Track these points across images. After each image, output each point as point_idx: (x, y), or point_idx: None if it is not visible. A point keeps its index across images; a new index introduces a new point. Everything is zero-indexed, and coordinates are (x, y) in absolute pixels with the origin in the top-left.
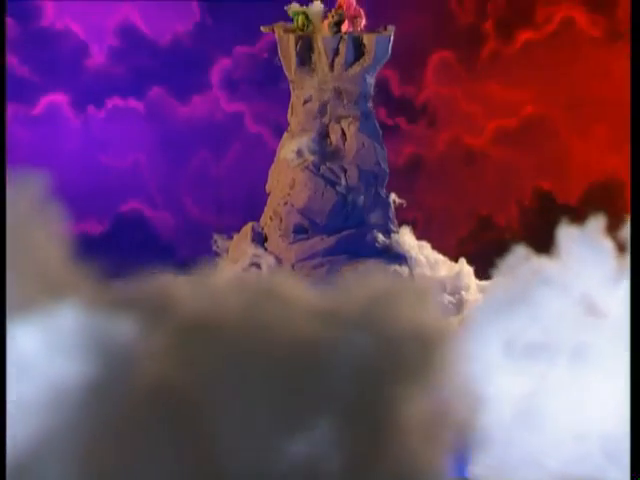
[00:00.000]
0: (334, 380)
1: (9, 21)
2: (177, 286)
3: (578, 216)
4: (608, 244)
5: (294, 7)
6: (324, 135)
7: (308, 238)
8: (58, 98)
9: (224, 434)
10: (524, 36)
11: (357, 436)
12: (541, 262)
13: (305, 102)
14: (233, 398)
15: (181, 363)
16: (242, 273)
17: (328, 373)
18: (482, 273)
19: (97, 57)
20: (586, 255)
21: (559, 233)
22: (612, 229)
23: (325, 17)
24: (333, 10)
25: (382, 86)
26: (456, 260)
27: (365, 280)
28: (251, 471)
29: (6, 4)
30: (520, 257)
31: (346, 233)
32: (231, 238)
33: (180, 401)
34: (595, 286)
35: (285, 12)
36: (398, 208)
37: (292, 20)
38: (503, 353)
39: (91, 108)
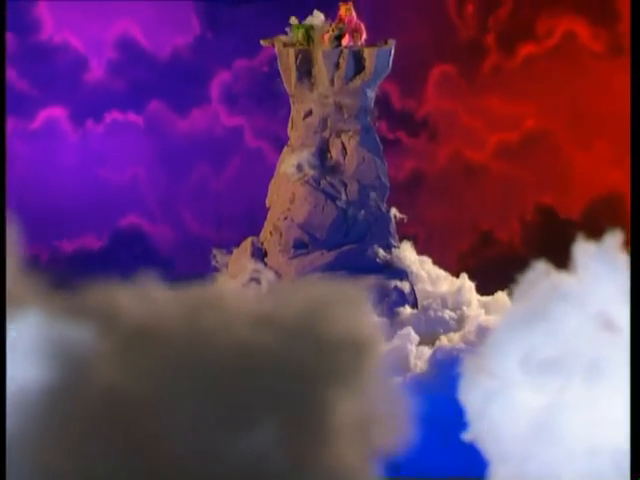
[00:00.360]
0: (272, 384)
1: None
2: (124, 295)
3: (582, 231)
4: (624, 259)
5: (294, 21)
6: (324, 149)
7: (308, 253)
8: (56, 112)
9: (170, 434)
10: (525, 50)
11: (294, 437)
12: (559, 278)
13: (305, 116)
14: (178, 401)
15: (129, 368)
16: (241, 288)
17: (266, 377)
18: (483, 288)
19: (96, 71)
20: (602, 271)
21: (575, 249)
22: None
23: (325, 31)
24: (333, 24)
25: (383, 100)
26: (457, 275)
27: (302, 287)
28: (195, 469)
29: (6, 18)
30: (539, 273)
31: (346, 248)
32: (230, 253)
33: (129, 403)
34: (611, 302)
35: (285, 26)
36: (399, 223)
37: (292, 34)
38: (520, 368)
39: (90, 122)
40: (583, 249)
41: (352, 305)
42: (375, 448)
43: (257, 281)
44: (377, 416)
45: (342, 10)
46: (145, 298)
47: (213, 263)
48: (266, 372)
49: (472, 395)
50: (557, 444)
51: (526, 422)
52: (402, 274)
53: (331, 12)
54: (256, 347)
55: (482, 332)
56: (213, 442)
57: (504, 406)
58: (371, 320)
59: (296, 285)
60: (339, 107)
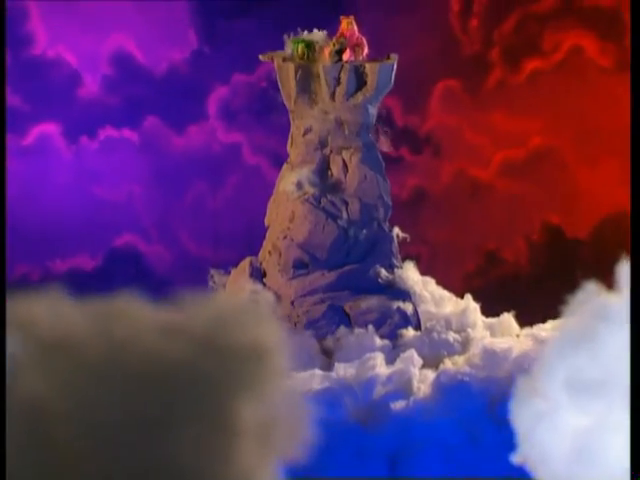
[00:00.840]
0: (181, 391)
1: None
2: (39, 307)
3: (588, 250)
4: None
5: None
6: (325, 167)
7: (308, 273)
8: (49, 128)
9: (89, 439)
10: (531, 65)
11: (203, 440)
12: (606, 299)
13: (305, 133)
14: (93, 408)
15: (46, 379)
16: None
17: (175, 384)
18: (489, 310)
19: (90, 86)
20: None
21: (620, 269)
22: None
23: (326, 45)
24: (334, 38)
25: (385, 116)
26: (462, 296)
27: (209, 298)
28: (112, 470)
29: (5, 34)
30: (589, 293)
31: (348, 268)
32: (228, 273)
33: (47, 412)
34: None
35: (285, 40)
36: (401, 242)
37: (291, 48)
38: (566, 390)
39: (83, 138)
40: (627, 269)
41: (256, 316)
42: (277, 451)
43: (256, 302)
44: (279, 421)
45: (343, 24)
46: (59, 310)
47: (210, 284)
48: (176, 380)
49: (522, 416)
50: (600, 465)
51: (570, 443)
52: (405, 295)
53: (332, 26)
54: (166, 356)
55: (488, 355)
56: (129, 445)
57: (551, 428)
58: (274, 330)
59: (203, 297)
60: (340, 123)
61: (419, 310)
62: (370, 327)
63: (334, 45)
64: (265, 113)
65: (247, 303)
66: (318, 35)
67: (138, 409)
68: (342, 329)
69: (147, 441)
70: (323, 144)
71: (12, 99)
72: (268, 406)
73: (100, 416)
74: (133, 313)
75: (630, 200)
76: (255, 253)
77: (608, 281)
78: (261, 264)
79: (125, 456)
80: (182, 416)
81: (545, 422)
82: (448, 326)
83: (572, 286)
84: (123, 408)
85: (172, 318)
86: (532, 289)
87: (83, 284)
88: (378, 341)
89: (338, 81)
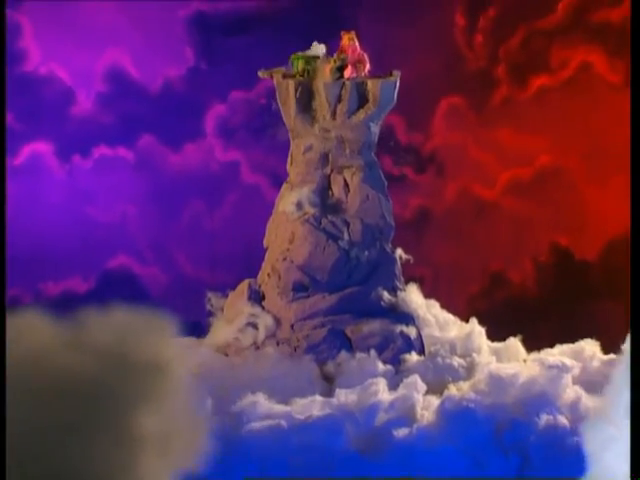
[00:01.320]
0: (86, 403)
1: None
2: None
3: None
4: None
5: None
6: (325, 186)
7: (308, 296)
8: (41, 147)
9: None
10: (538, 81)
11: (107, 449)
12: None
13: (305, 151)
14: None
15: None
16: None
17: (81, 397)
18: (495, 334)
19: (84, 103)
20: None
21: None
22: None
23: (327, 62)
24: (335, 55)
25: (388, 134)
26: (467, 320)
27: (110, 315)
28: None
29: (6, 52)
30: None
31: (349, 291)
32: (226, 296)
33: None
34: None
35: (284, 56)
36: (404, 264)
37: (292, 65)
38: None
39: (77, 157)
40: None
41: (156, 331)
42: (176, 461)
43: (254, 326)
44: (177, 432)
45: (344, 40)
46: None
47: (208, 307)
48: (81, 393)
49: (592, 441)
50: None
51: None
52: (408, 318)
53: (333, 42)
54: (70, 370)
55: (494, 381)
56: (42, 451)
57: (619, 452)
58: (173, 345)
59: (106, 312)
60: (341, 142)
61: (423, 334)
62: (372, 352)
63: (335, 61)
64: (264, 131)
65: (148, 318)
66: (318, 50)
67: (44, 420)
68: (343, 354)
69: (54, 451)
70: (324, 163)
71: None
72: (167, 418)
73: (11, 427)
74: (38, 328)
75: (630, 219)
76: (254, 275)
77: (618, 303)
78: (260, 287)
79: (33, 464)
80: (87, 427)
81: (614, 447)
82: (453, 351)
83: (581, 309)
84: (31, 418)
85: (76, 333)
86: (540, 312)
87: (76, 307)
88: (380, 366)
89: (339, 98)
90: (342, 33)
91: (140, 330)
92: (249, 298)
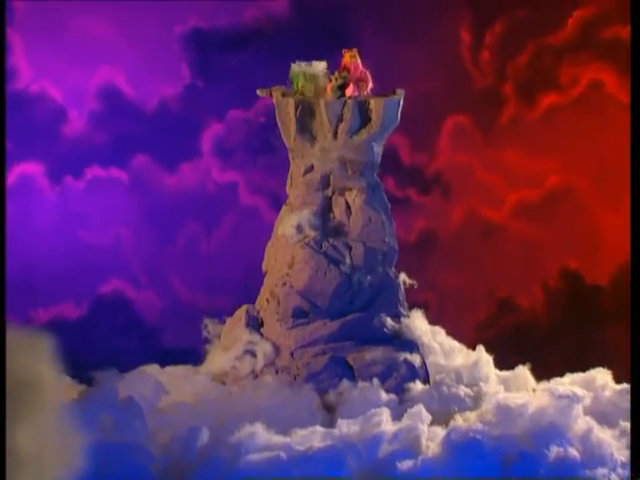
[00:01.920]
0: None
1: None
2: None
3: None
4: None
5: (294, 69)
6: (327, 209)
7: (309, 323)
8: (32, 168)
9: None
10: (547, 100)
11: None
12: None
13: (306, 172)
14: None
15: None
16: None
17: None
18: (503, 362)
19: (76, 122)
20: None
21: None
22: None
23: (328, 79)
24: (337, 72)
25: (391, 154)
26: (474, 347)
27: None
28: None
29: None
30: None
31: (351, 317)
32: (223, 322)
33: None
34: None
35: (283, 74)
36: (409, 289)
37: (291, 82)
38: None
39: (68, 178)
40: None
41: (30, 349)
42: (51, 476)
43: (252, 353)
44: (51, 450)
45: (346, 57)
46: None
47: (204, 334)
48: None
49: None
50: None
51: None
52: (412, 346)
53: (334, 59)
54: None
55: (502, 411)
56: None
57: None
58: (48, 364)
59: None
60: (343, 163)
61: (427, 362)
62: (375, 380)
63: (336, 80)
64: (263, 151)
65: (24, 337)
66: (319, 67)
67: None
68: (345, 382)
69: None
70: (325, 184)
71: None
72: (42, 435)
73: None
74: None
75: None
76: (252, 300)
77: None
78: (258, 313)
79: None
80: None
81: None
82: (459, 380)
83: (592, 336)
84: None
85: None
86: (549, 340)
87: (67, 334)
88: (384, 395)
89: (341, 118)
90: (344, 51)
91: (15, 349)
92: (247, 324)
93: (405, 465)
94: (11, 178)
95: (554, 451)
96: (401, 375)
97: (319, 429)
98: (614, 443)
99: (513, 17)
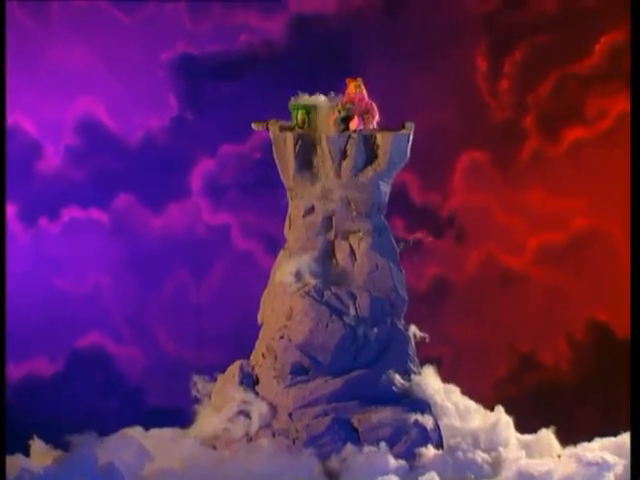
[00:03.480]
0: None
1: None
2: None
3: None
4: None
5: (294, 101)
6: (329, 254)
7: (309, 380)
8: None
9: None
10: (572, 134)
11: None
12: None
13: (306, 214)
14: None
15: None
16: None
17: None
18: (524, 425)
19: (52, 159)
20: None
21: None
22: None
23: (331, 112)
24: (340, 104)
25: (400, 194)
26: (492, 408)
27: None
28: None
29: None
30: None
31: (356, 374)
32: (214, 380)
33: None
34: None
35: (282, 105)
36: (420, 343)
37: (290, 115)
38: None
39: (43, 220)
40: None
41: None
42: None
43: (246, 414)
44: None
45: (350, 87)
46: None
47: (193, 392)
48: None
49: None
50: None
51: None
52: (424, 406)
53: (337, 89)
54: None
55: (523, 479)
56: None
57: None
58: None
59: None
60: (347, 203)
61: (441, 424)
62: (382, 445)
63: (340, 111)
64: (258, 190)
65: None
66: (320, 99)
67: None
68: (349, 447)
69: None
70: (327, 227)
71: None
72: None
73: None
74: None
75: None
76: (246, 356)
77: None
78: (253, 369)
79: None
80: None
81: None
82: (476, 444)
83: (623, 395)
84: None
85: None
86: (576, 400)
87: (41, 392)
88: (392, 461)
89: (344, 154)
90: (348, 80)
91: None
92: (241, 382)
93: None
94: None
95: None
96: (411, 439)
97: None
98: None
99: (534, 43)
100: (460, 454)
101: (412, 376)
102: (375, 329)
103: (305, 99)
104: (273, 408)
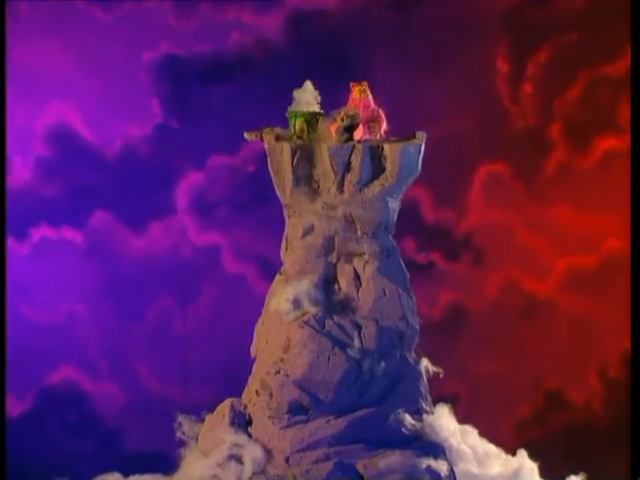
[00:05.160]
0: None
1: None
2: None
3: None
4: None
5: (292, 107)
6: (331, 279)
7: (308, 420)
8: None
9: None
10: (604, 144)
11: None
12: None
13: (305, 234)
14: None
15: None
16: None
17: None
18: (551, 471)
19: (20, 172)
20: None
21: None
22: None
23: (333, 119)
24: (343, 111)
25: (410, 211)
26: (514, 452)
27: None
28: None
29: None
30: None
31: (361, 414)
32: (202, 420)
33: None
34: None
35: (278, 111)
36: (433, 379)
37: (287, 123)
38: None
39: (10, 241)
40: None
41: None
42: None
43: (238, 459)
44: None
45: (355, 92)
46: None
47: (178, 434)
48: None
49: None
50: None
51: None
52: (437, 450)
53: (340, 94)
54: None
55: None
56: None
57: None
58: None
59: None
60: (351, 222)
61: (456, 470)
62: None
63: (343, 120)
64: (251, 207)
65: None
66: (310, 96)
67: None
68: None
69: None
70: (328, 249)
71: None
72: None
73: None
74: None
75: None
76: (237, 393)
77: None
78: (245, 408)
79: None
80: None
81: None
82: None
83: None
84: None
85: None
86: (609, 443)
87: (7, 434)
88: None
89: (348, 166)
90: (352, 85)
91: None
92: (232, 423)
93: None
94: None
95: None
96: None
97: None
98: None
99: (561, 43)
100: None
101: (424, 416)
102: (382, 363)
103: (303, 103)
104: (268, 452)
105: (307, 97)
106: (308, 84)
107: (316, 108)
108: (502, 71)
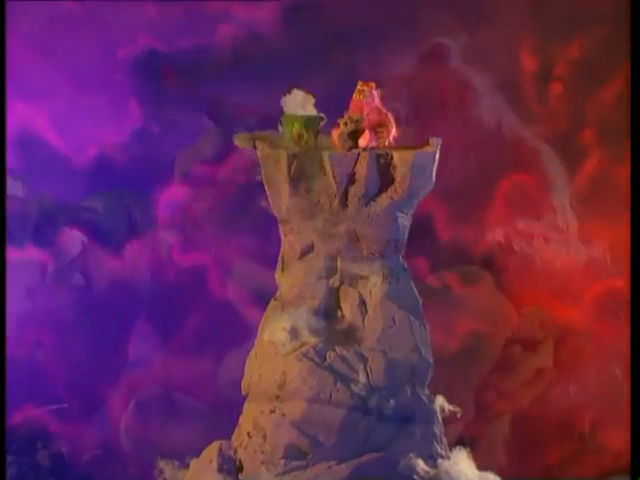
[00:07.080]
0: None
1: None
2: None
3: None
4: None
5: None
6: (333, 305)
7: (307, 466)
8: None
9: None
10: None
11: None
12: None
13: (303, 253)
14: None
15: None
16: None
17: None
18: None
19: None
20: None
21: None
22: None
23: (335, 124)
24: (346, 115)
25: (424, 228)
26: None
27: None
28: None
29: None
30: None
31: (367, 459)
32: (186, 466)
33: None
34: None
35: (273, 114)
36: (449, 419)
37: (284, 128)
38: None
39: None
40: None
41: None
42: None
43: None
44: None
45: (360, 94)
46: None
47: None
48: None
49: None
50: None
51: None
52: None
53: (342, 95)
54: None
55: None
56: None
57: None
58: None
59: None
60: (355, 240)
61: None
62: None
63: (346, 124)
64: (241, 223)
65: None
66: (303, 99)
67: None
68: None
69: None
70: (330, 271)
71: None
72: None
73: None
74: None
75: None
76: (226, 435)
77: None
78: (236, 452)
79: None
80: None
81: None
82: None
83: None
84: None
85: None
86: None
87: None
88: None
89: (352, 177)
90: (358, 85)
91: None
92: (220, 469)
93: None
94: None
95: None
96: None
97: None
98: None
99: (594, 37)
100: None
101: (439, 461)
102: (392, 401)
103: (302, 105)
104: None
105: (298, 103)
106: (297, 92)
107: (313, 112)
108: (529, 69)
